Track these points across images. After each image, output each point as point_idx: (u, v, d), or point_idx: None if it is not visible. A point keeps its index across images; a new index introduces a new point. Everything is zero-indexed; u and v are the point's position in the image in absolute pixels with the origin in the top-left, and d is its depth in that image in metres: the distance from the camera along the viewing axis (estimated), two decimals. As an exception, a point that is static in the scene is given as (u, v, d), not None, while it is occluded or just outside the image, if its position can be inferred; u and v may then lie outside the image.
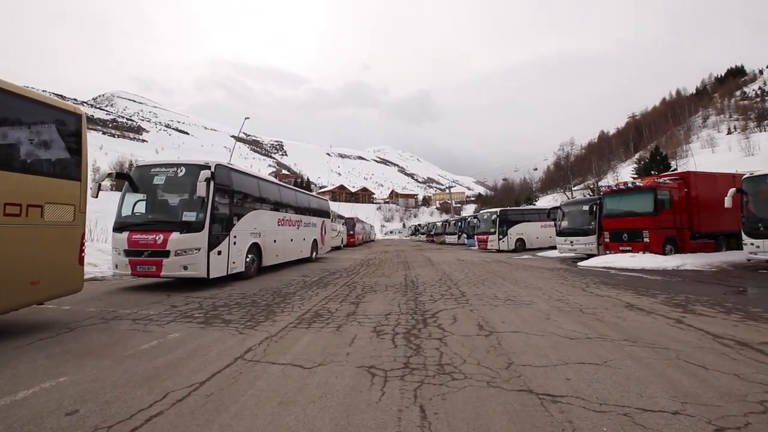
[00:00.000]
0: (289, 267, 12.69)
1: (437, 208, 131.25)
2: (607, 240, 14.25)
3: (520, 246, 23.07)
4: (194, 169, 7.72)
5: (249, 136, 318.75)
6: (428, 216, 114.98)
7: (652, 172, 30.73)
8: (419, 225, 65.17)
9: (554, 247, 23.65)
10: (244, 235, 9.23)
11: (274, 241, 11.05)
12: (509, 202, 72.11)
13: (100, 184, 7.62)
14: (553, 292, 7.37)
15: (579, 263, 13.62)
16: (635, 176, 42.05)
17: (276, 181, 12.17)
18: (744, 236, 10.93)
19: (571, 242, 16.31)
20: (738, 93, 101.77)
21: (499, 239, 22.75)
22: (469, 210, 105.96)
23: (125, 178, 8.07)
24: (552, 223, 25.11)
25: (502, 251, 22.44)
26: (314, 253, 15.14)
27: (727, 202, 10.96)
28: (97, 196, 7.73)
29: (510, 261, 15.66)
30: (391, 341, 4.10)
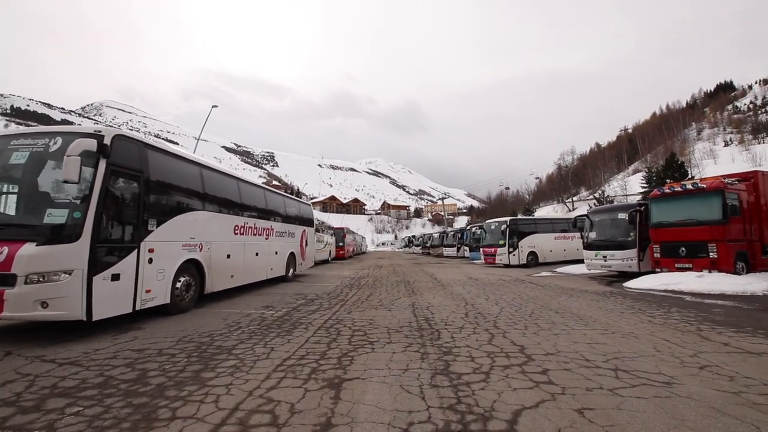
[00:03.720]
0: (253, 290, 9.55)
1: (429, 220, 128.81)
2: (658, 255, 11.43)
3: (533, 260, 20.23)
4: (74, 139, 4.66)
5: (240, 146, 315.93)
6: (420, 228, 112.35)
7: (667, 181, 28.37)
8: (413, 236, 62.18)
9: (570, 262, 20.94)
10: (170, 248, 6.13)
11: (228, 256, 7.93)
12: (504, 213, 69.78)
13: None
14: (663, 343, 4.44)
15: (625, 284, 10.77)
16: (644, 186, 39.88)
17: (233, 173, 9.10)
18: None
19: (604, 257, 13.48)
20: (729, 107, 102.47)
21: (510, 252, 19.87)
22: (461, 222, 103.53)
23: (-33, 156, 4.98)
24: (566, 234, 22.55)
25: (512, 266, 19.56)
26: (291, 271, 12.01)
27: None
28: None
29: (533, 280, 12.74)
30: None
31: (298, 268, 12.66)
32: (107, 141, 4.87)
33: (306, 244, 13.50)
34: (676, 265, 10.87)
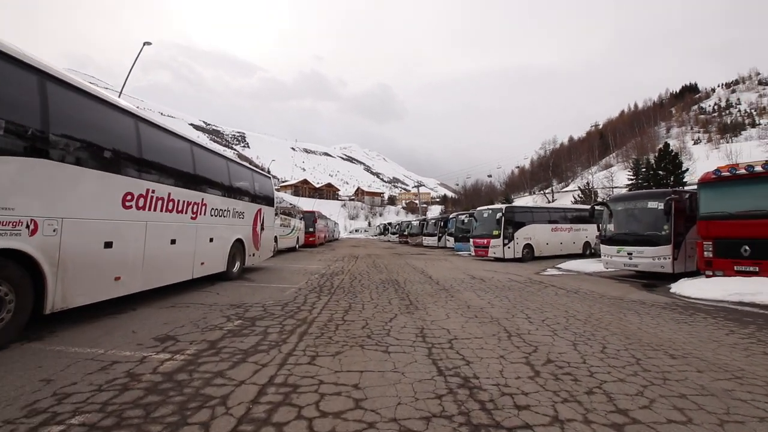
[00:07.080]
0: (167, 297, 6.33)
1: (403, 208, 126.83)
2: (709, 254, 9.13)
3: (528, 254, 17.90)
4: None
5: (209, 125, 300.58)
6: (394, 215, 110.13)
7: (660, 173, 26.93)
8: (389, 224, 59.54)
9: (565, 257, 18.84)
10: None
11: (108, 244, 4.67)
12: (480, 203, 68.30)
13: None
14: None
15: (675, 290, 8.42)
16: (631, 178, 38.58)
17: (126, 106, 5.68)
18: None
19: (629, 254, 11.20)
20: (695, 107, 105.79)
21: (504, 245, 17.42)
22: (434, 211, 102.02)
23: None
24: (562, 226, 20.40)
25: (506, 260, 17.16)
26: (237, 265, 8.81)
27: None
28: None
29: (552, 281, 10.22)
30: None
31: (248, 260, 9.46)
32: None
33: (262, 229, 10.28)
34: (735, 268, 8.59)
